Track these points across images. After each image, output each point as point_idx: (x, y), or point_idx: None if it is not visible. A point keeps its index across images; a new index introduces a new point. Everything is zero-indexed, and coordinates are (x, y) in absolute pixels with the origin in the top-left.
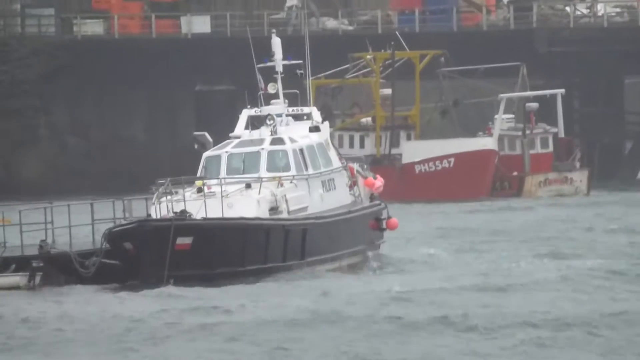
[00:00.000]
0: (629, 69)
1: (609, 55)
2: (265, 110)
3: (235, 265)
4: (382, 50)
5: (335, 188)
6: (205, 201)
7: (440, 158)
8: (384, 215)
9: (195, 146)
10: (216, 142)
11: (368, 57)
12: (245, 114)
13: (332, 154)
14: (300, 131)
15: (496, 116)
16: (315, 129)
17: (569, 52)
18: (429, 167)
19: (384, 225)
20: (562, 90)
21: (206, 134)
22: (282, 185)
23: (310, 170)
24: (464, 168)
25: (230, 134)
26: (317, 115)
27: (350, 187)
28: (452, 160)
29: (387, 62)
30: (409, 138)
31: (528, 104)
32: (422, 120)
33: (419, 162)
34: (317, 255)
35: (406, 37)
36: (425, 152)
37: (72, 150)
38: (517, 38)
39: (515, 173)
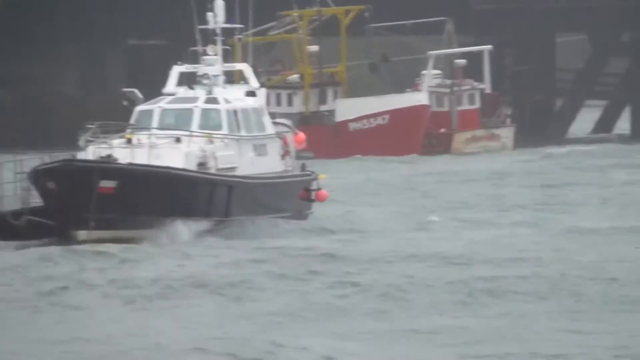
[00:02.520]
0: (560, 26)
1: (541, 13)
2: (201, 69)
3: (159, 213)
4: (308, 8)
5: (266, 154)
6: (132, 150)
7: (375, 115)
8: (314, 186)
9: (125, 103)
10: (147, 98)
11: (295, 14)
12: (176, 70)
13: (267, 120)
14: (236, 94)
15: (424, 72)
16: (251, 93)
17: (501, 9)
18: (363, 125)
19: (314, 196)
20: (489, 47)
21: (136, 91)
22: (212, 142)
23: (243, 133)
24: (398, 124)
25: (163, 90)
26: (252, 77)
27: (283, 156)
28: (386, 117)
29: (313, 19)
30: (335, 95)
31: (456, 61)
32: (348, 76)
33: (353, 120)
34: (242, 215)
35: None
36: (359, 110)
37: (1, 104)
38: None
39: (443, 130)
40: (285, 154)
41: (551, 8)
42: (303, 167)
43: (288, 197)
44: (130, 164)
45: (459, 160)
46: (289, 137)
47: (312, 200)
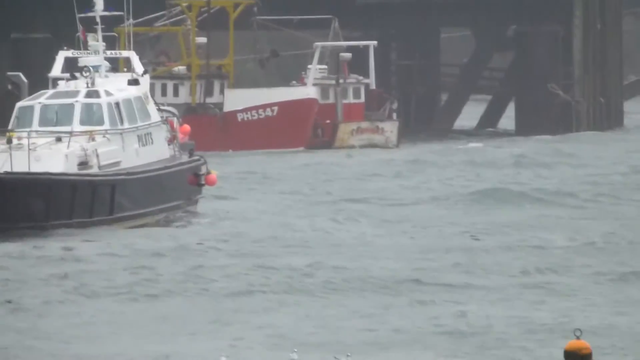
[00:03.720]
0: (445, 21)
1: (425, 8)
2: (82, 61)
3: (39, 220)
4: None
5: (152, 142)
6: (11, 154)
7: (264, 106)
8: (203, 170)
9: (9, 87)
10: (32, 87)
11: (184, 4)
12: (61, 55)
13: (151, 107)
14: (118, 84)
15: (310, 65)
16: (134, 82)
17: (386, 4)
18: (251, 116)
19: (203, 181)
20: (375, 43)
21: (20, 74)
22: (93, 139)
23: (126, 125)
24: (287, 116)
25: (49, 75)
26: (138, 64)
27: (170, 141)
28: (275, 108)
29: (202, 10)
30: (222, 88)
31: (342, 54)
32: (236, 69)
33: (242, 111)
34: (128, 211)
35: None
36: (248, 101)
37: None
38: None
39: (328, 121)
40: (172, 139)
41: (436, 3)
42: (191, 153)
43: (176, 185)
44: (7, 173)
45: (342, 154)
46: (175, 122)
47: (202, 185)
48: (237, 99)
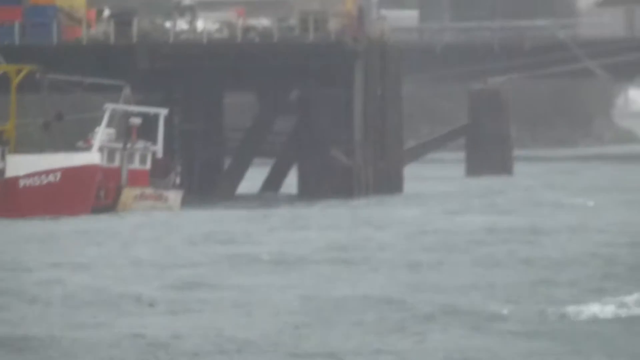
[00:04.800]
0: (228, 85)
1: (209, 72)
2: None
3: None
4: None
5: None
6: None
7: (47, 172)
8: None
9: None
10: None
11: None
12: None
13: None
14: None
15: (97, 128)
16: None
17: (170, 67)
18: (34, 182)
19: None
20: (165, 111)
21: None
22: None
23: None
24: (70, 183)
25: None
26: None
27: None
28: (58, 174)
29: None
30: (3, 154)
31: (131, 119)
32: (19, 133)
33: (24, 177)
34: None
35: (6, 50)
36: (31, 166)
37: None
38: (119, 53)
39: (112, 184)
40: None
41: (219, 67)
42: None
43: None
44: None
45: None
46: None
47: None
48: (19, 165)
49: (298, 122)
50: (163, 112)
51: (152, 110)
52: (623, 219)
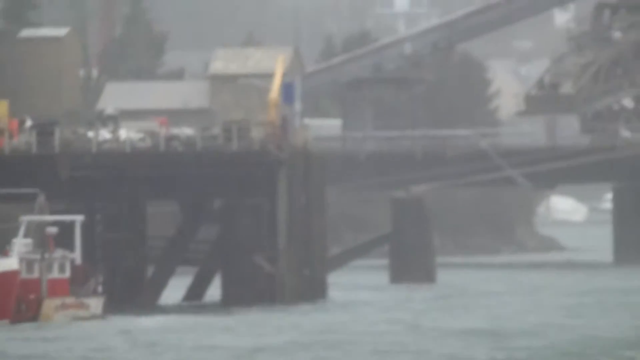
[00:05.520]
0: (151, 194)
1: (131, 180)
2: None
3: None
4: None
5: None
6: None
7: None
8: None
9: None
10: None
11: None
12: None
13: None
14: None
15: (14, 239)
16: None
17: (92, 176)
18: None
19: None
20: (81, 217)
21: None
22: None
23: None
24: None
25: None
26: None
27: None
28: None
29: None
30: None
31: (48, 228)
32: None
33: None
34: None
35: None
36: None
37: None
38: (40, 162)
39: (32, 296)
40: None
41: (142, 176)
42: None
43: None
44: None
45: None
46: None
47: None
48: None
49: (221, 230)
50: (79, 218)
51: (67, 218)
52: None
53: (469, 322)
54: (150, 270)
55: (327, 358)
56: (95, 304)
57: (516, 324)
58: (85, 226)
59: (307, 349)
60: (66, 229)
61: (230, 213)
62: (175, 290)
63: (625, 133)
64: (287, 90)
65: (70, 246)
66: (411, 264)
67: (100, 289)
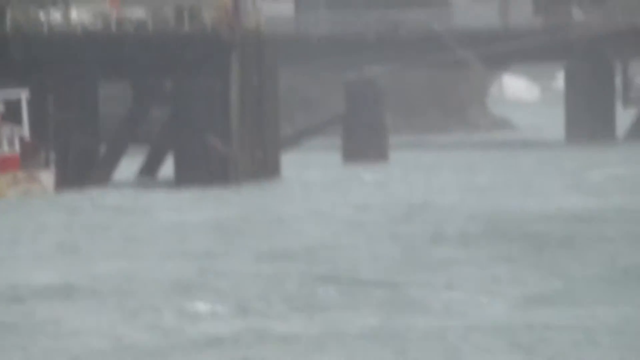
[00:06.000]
0: (103, 75)
1: (83, 62)
2: None
3: None
4: None
5: None
6: None
7: None
8: None
9: None
10: None
11: None
12: None
13: None
14: None
15: None
16: None
17: (44, 58)
18: None
19: None
20: (26, 91)
21: None
22: None
23: None
24: None
25: None
26: None
27: None
28: None
29: None
30: None
31: None
32: None
33: None
34: None
35: None
36: None
37: None
38: None
39: None
40: None
41: (93, 58)
42: None
43: None
44: None
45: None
46: None
47: None
48: None
49: (173, 111)
50: (24, 93)
51: (12, 92)
52: None
53: (408, 198)
54: (102, 149)
55: (271, 233)
56: (47, 177)
57: (449, 199)
58: (36, 107)
59: (253, 224)
60: (14, 107)
61: (182, 94)
62: (128, 169)
63: (578, 13)
64: None
65: (17, 122)
66: (364, 143)
67: (50, 163)
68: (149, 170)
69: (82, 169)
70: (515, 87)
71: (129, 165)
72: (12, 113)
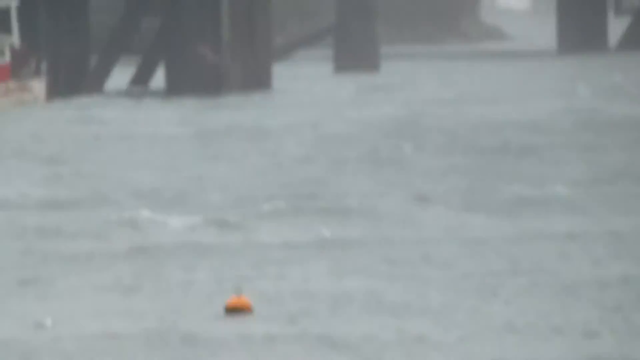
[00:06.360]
0: None
1: None
2: None
3: None
4: None
5: None
6: None
7: None
8: None
9: None
10: None
11: None
12: None
13: None
14: None
15: None
16: None
17: None
18: None
19: None
20: (16, 2)
21: None
22: None
23: None
24: None
25: None
26: None
27: None
28: None
29: None
30: None
31: None
32: None
33: None
34: None
35: None
36: None
37: None
38: None
39: None
40: None
41: None
42: None
43: None
44: None
45: None
46: None
47: None
48: None
49: (164, 21)
50: (14, 1)
51: (1, 0)
52: None
53: (385, 109)
54: (94, 59)
55: (259, 143)
56: (38, 86)
57: (429, 110)
58: (26, 17)
59: (244, 132)
60: (3, 15)
61: (173, 3)
62: (120, 79)
63: None
64: None
65: (8, 33)
66: (355, 53)
67: (41, 72)
68: (141, 80)
69: (74, 78)
70: None
71: (121, 75)
72: (2, 22)
